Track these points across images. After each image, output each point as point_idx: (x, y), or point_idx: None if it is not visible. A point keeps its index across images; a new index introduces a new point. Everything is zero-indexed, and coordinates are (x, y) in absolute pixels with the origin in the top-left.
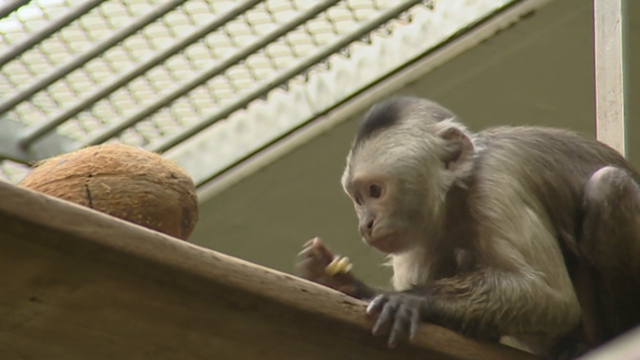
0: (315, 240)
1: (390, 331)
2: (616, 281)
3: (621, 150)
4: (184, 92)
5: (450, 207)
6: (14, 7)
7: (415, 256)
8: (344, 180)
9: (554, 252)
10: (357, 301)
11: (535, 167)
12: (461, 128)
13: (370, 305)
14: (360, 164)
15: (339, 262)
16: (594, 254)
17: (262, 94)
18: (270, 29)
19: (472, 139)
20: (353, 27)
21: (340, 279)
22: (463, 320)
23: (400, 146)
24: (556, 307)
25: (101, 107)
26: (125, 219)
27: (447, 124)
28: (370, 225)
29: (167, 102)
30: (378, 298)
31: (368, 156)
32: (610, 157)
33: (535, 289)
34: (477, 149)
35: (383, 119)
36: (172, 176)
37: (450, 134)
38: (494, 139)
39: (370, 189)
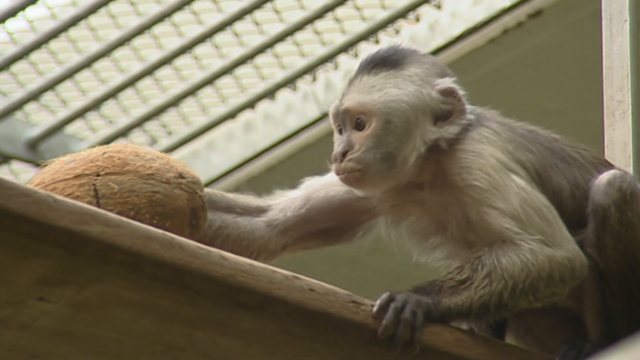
0: None
1: (395, 333)
2: (623, 285)
3: (629, 149)
4: (192, 92)
5: (425, 164)
6: (22, 7)
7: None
8: (332, 107)
9: (546, 210)
10: (365, 301)
11: (518, 148)
12: (460, 91)
13: (376, 305)
14: (354, 94)
15: None
16: (600, 258)
17: (270, 93)
18: (277, 28)
19: (467, 106)
20: (360, 27)
21: None
22: (472, 310)
23: (397, 89)
24: (560, 265)
25: (109, 107)
26: (133, 218)
27: (448, 82)
28: (344, 154)
29: (175, 102)
30: (384, 297)
31: (363, 89)
32: (593, 161)
33: (535, 256)
34: (468, 116)
35: (387, 61)
36: (181, 176)
37: (448, 93)
38: (485, 119)
39: (357, 120)
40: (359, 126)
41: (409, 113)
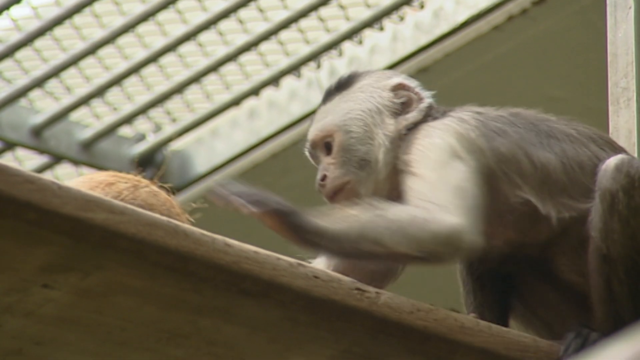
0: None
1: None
2: (630, 270)
3: (633, 136)
4: (196, 79)
5: (395, 157)
6: None
7: None
8: (305, 148)
9: (468, 195)
10: (369, 288)
11: (483, 133)
12: (411, 84)
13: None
14: (314, 125)
15: None
16: (607, 243)
17: (274, 80)
18: (282, 15)
19: (426, 98)
20: (365, 14)
21: None
22: (348, 238)
23: (349, 102)
24: (449, 229)
25: (113, 94)
26: None
27: (396, 79)
28: (323, 179)
29: (179, 89)
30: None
31: (321, 118)
32: (591, 135)
33: (424, 213)
34: (427, 100)
35: (339, 86)
36: None
37: (398, 87)
38: (455, 112)
39: (325, 146)
40: (328, 150)
41: (364, 117)
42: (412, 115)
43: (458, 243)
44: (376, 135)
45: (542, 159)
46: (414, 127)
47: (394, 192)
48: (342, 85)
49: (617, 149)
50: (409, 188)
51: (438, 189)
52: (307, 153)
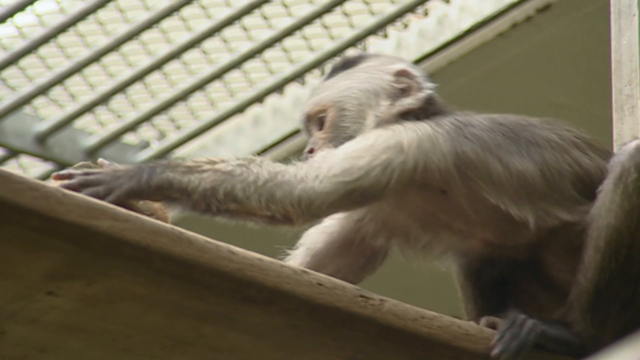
0: None
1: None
2: (612, 242)
3: None
4: (200, 86)
5: None
6: (31, 1)
7: None
8: (300, 125)
9: (358, 176)
10: (374, 295)
11: (453, 139)
12: (415, 72)
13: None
14: (312, 99)
15: None
16: (601, 209)
17: (278, 87)
18: (286, 22)
19: (427, 88)
20: (369, 21)
21: None
22: (196, 191)
23: (349, 81)
24: (301, 192)
25: (117, 101)
26: None
27: (401, 65)
28: (311, 151)
29: (183, 96)
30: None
31: (320, 92)
32: (574, 140)
33: (293, 177)
34: (426, 91)
35: (345, 64)
36: None
37: (401, 73)
38: (444, 114)
39: (319, 121)
40: (322, 126)
41: (360, 96)
42: (408, 102)
43: (306, 207)
44: (368, 116)
45: (518, 166)
46: (408, 115)
47: None
48: (348, 63)
49: (600, 150)
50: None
51: (335, 160)
52: (300, 126)
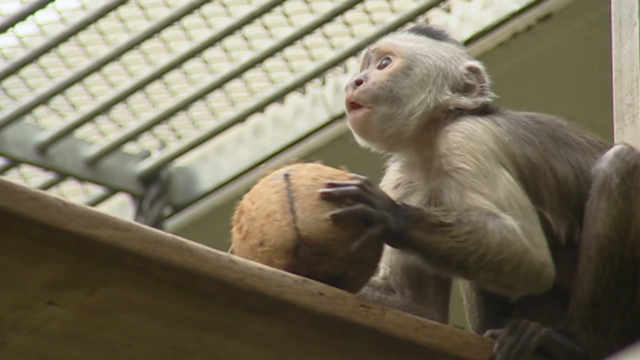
0: None
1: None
2: (604, 250)
3: None
4: (201, 96)
5: (424, 132)
6: (31, 11)
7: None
8: (363, 51)
9: (531, 212)
10: (375, 304)
11: (515, 139)
12: (485, 77)
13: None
14: (390, 39)
15: None
16: (590, 220)
17: (279, 97)
18: (287, 32)
19: (488, 95)
20: (370, 31)
21: None
22: (433, 254)
23: (430, 48)
24: (531, 263)
25: (118, 111)
26: None
27: (477, 63)
28: (358, 83)
29: (184, 106)
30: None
31: (400, 39)
32: (599, 145)
33: (515, 237)
34: (487, 97)
35: (431, 31)
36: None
37: (474, 70)
38: (490, 111)
39: (382, 61)
40: (383, 67)
41: (431, 68)
42: (466, 101)
43: (539, 279)
44: (428, 92)
45: (562, 172)
46: (459, 112)
47: (403, 150)
48: (433, 33)
49: None
50: (472, 204)
51: (509, 210)
52: (363, 53)
